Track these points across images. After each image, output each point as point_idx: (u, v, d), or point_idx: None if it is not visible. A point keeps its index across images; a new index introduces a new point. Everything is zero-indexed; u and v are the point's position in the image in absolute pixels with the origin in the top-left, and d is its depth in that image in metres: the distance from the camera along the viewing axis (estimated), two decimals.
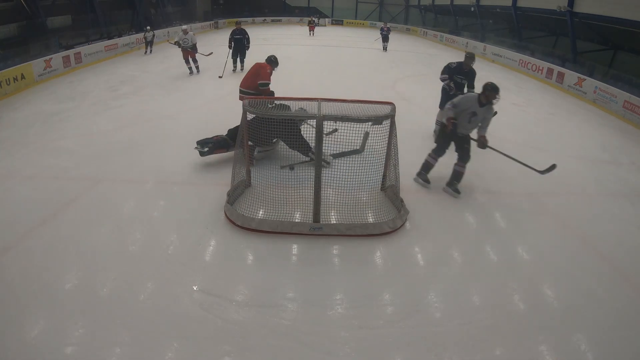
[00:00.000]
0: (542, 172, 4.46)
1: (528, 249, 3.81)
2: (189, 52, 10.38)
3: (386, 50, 16.92)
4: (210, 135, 5.23)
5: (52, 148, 5.61)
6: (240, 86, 6.03)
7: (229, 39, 10.32)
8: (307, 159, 4.90)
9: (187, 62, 10.57)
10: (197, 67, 10.75)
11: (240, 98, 5.68)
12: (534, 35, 16.20)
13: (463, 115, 4.42)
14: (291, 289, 3.13)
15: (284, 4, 31.99)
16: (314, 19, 24.59)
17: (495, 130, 7.06)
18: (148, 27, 14.44)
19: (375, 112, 3.88)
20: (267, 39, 19.64)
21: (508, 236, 4.02)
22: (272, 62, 6.08)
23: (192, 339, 2.64)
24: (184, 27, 10.82)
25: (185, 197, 4.40)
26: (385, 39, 17.16)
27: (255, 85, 5.78)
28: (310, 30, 23.06)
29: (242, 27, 10.67)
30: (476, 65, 6.22)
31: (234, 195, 4.16)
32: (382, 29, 17.39)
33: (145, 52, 14.18)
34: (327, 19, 30.55)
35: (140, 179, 4.77)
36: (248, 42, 10.67)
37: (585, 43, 12.98)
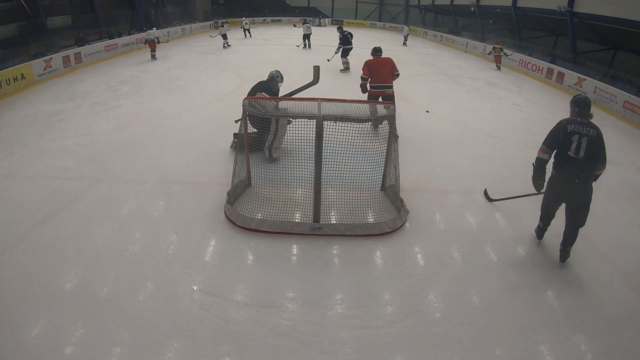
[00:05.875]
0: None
1: (528, 249, 3.80)
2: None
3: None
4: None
5: (52, 148, 5.61)
6: (381, 82, 6.18)
7: None
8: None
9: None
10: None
11: (381, 93, 6.07)
12: (534, 35, 16.20)
13: None
14: (291, 289, 3.13)
15: (284, 4, 32.00)
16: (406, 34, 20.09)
17: (496, 130, 7.10)
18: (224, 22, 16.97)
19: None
20: (267, 39, 19.69)
21: (508, 236, 4.01)
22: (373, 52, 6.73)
23: (192, 339, 2.64)
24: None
25: (185, 197, 4.40)
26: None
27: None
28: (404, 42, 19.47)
29: None
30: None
31: (234, 195, 4.16)
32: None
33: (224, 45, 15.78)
34: (327, 19, 30.57)
35: (140, 179, 4.77)
36: None
37: (585, 43, 12.98)
